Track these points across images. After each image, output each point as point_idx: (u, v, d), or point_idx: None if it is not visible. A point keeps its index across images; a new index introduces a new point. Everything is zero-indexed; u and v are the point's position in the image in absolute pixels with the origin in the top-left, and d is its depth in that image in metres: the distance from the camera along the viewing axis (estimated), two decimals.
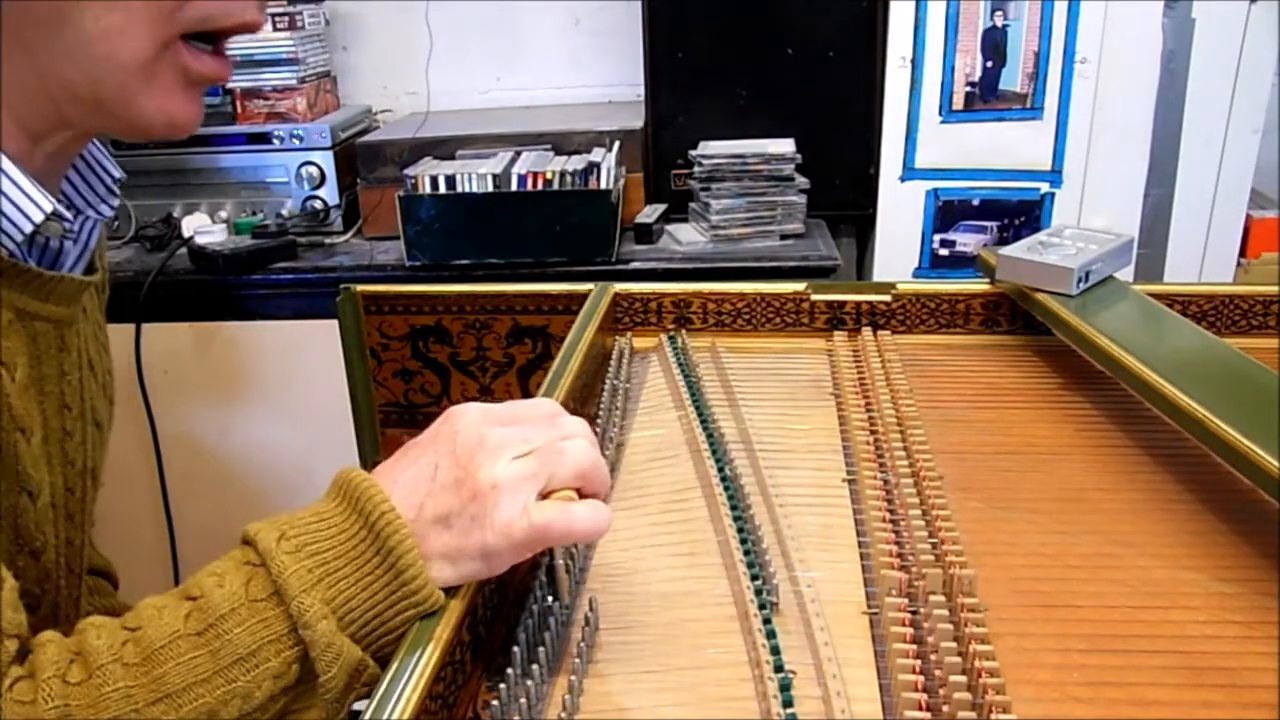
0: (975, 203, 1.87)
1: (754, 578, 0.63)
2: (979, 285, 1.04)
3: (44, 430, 0.67)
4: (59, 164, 0.66)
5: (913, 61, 1.80)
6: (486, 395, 1.13)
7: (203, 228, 1.89)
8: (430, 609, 0.56)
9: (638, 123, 1.93)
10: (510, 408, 0.61)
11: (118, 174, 0.72)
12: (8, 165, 0.60)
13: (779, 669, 0.56)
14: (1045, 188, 1.85)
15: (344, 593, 0.54)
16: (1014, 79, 1.80)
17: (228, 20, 0.62)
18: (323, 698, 0.55)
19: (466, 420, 0.59)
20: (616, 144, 1.89)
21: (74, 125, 0.63)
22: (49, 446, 0.68)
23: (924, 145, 1.85)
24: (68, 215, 0.65)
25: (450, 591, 0.57)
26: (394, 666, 0.51)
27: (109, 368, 0.79)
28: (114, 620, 0.54)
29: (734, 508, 0.71)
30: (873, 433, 0.82)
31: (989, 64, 1.80)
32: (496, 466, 0.56)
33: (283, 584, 0.53)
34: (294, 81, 1.99)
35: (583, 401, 0.90)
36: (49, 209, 0.61)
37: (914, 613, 0.60)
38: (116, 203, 0.72)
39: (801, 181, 1.82)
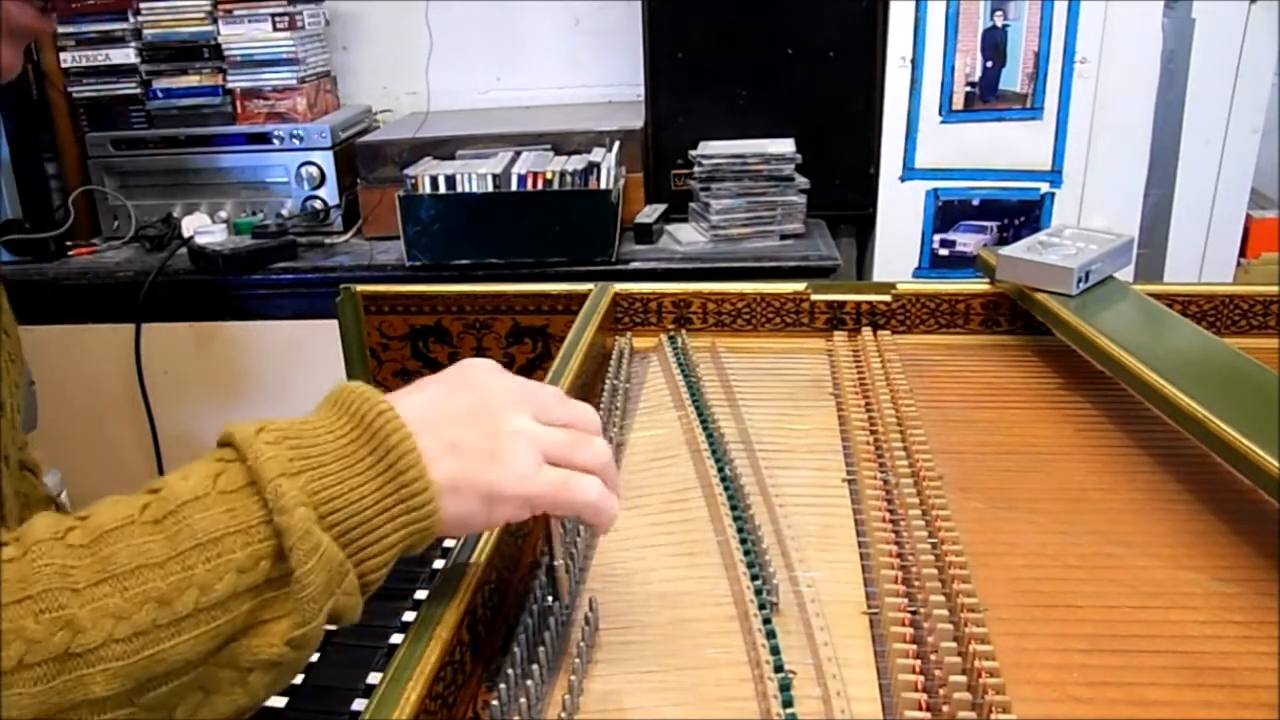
0: (975, 203, 1.87)
1: (754, 578, 0.63)
2: (979, 285, 1.04)
3: None
4: None
5: (913, 61, 1.81)
6: None
7: (203, 228, 1.89)
8: (427, 522, 0.52)
9: (638, 123, 1.94)
10: (518, 378, 0.61)
11: None
12: None
13: (779, 669, 0.56)
14: (1045, 188, 1.85)
15: (329, 489, 0.50)
16: (1014, 79, 1.80)
17: None
18: (297, 597, 0.48)
19: (483, 368, 0.59)
20: (616, 144, 1.89)
21: None
22: None
23: (924, 145, 1.85)
24: None
25: (450, 591, 0.57)
26: (394, 666, 0.51)
27: None
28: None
29: (734, 508, 0.71)
30: (873, 433, 0.82)
31: (989, 64, 1.80)
32: (519, 417, 0.55)
33: (258, 470, 0.49)
34: (294, 81, 2.00)
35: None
36: None
37: (914, 613, 0.60)
38: None
39: (801, 181, 1.82)
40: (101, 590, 0.46)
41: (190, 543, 0.47)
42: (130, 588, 0.46)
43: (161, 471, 1.91)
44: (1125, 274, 1.05)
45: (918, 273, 1.92)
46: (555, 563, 0.62)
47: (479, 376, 0.58)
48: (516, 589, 0.66)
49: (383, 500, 0.51)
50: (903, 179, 1.87)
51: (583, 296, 1.04)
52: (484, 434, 0.54)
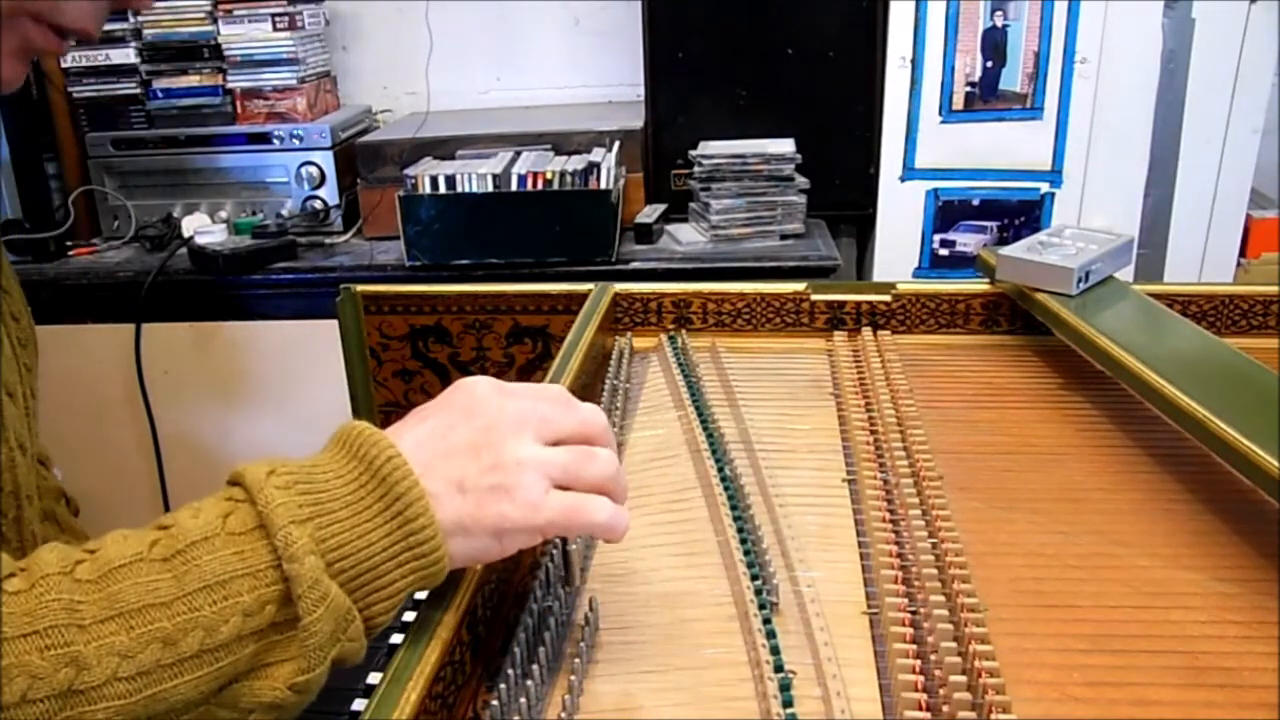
0: (975, 203, 1.87)
1: (754, 578, 0.63)
2: (979, 285, 1.04)
3: None
4: None
5: (913, 61, 1.81)
6: None
7: (203, 228, 1.89)
8: (436, 569, 0.52)
9: (638, 123, 1.94)
10: (521, 386, 0.60)
11: None
12: None
13: (779, 669, 0.56)
14: (1045, 188, 1.85)
15: (336, 536, 0.50)
16: (1014, 79, 1.80)
17: (71, 21, 0.64)
18: (304, 644, 0.49)
19: (482, 390, 0.57)
20: (616, 144, 1.89)
21: None
22: None
23: (924, 145, 1.85)
24: None
25: (450, 591, 0.57)
26: (394, 666, 0.51)
27: (2, 283, 0.77)
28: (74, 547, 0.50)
29: (734, 508, 0.71)
30: (873, 433, 0.82)
31: (989, 64, 1.80)
32: (522, 443, 0.55)
33: (269, 515, 0.49)
34: (294, 81, 2.00)
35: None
36: None
37: (914, 613, 0.60)
38: None
39: (801, 181, 1.82)
40: (108, 628, 0.46)
41: (198, 584, 0.48)
42: (136, 627, 0.46)
43: (161, 471, 1.92)
44: (1125, 274, 1.05)
45: (918, 273, 1.92)
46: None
47: (478, 401, 0.57)
48: (516, 589, 0.66)
49: (391, 547, 0.51)
50: (903, 179, 1.87)
51: (583, 296, 1.04)
52: (487, 467, 0.54)
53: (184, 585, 0.47)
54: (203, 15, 1.97)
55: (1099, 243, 1.03)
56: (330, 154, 1.96)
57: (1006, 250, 1.02)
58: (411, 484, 0.52)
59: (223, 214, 2.00)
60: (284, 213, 1.97)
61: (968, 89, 1.81)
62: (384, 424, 0.60)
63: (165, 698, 0.47)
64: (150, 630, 0.46)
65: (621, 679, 0.58)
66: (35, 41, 0.63)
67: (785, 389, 0.93)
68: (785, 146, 1.82)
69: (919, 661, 0.56)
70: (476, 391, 0.58)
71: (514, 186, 1.76)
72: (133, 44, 1.99)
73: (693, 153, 1.84)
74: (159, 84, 2.01)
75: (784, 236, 1.84)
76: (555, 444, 0.57)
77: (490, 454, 0.54)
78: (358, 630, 0.51)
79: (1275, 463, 0.63)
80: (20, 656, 0.44)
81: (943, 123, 1.83)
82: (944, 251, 1.90)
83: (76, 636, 0.45)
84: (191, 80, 2.01)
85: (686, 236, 1.87)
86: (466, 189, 1.76)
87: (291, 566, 0.48)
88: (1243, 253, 1.88)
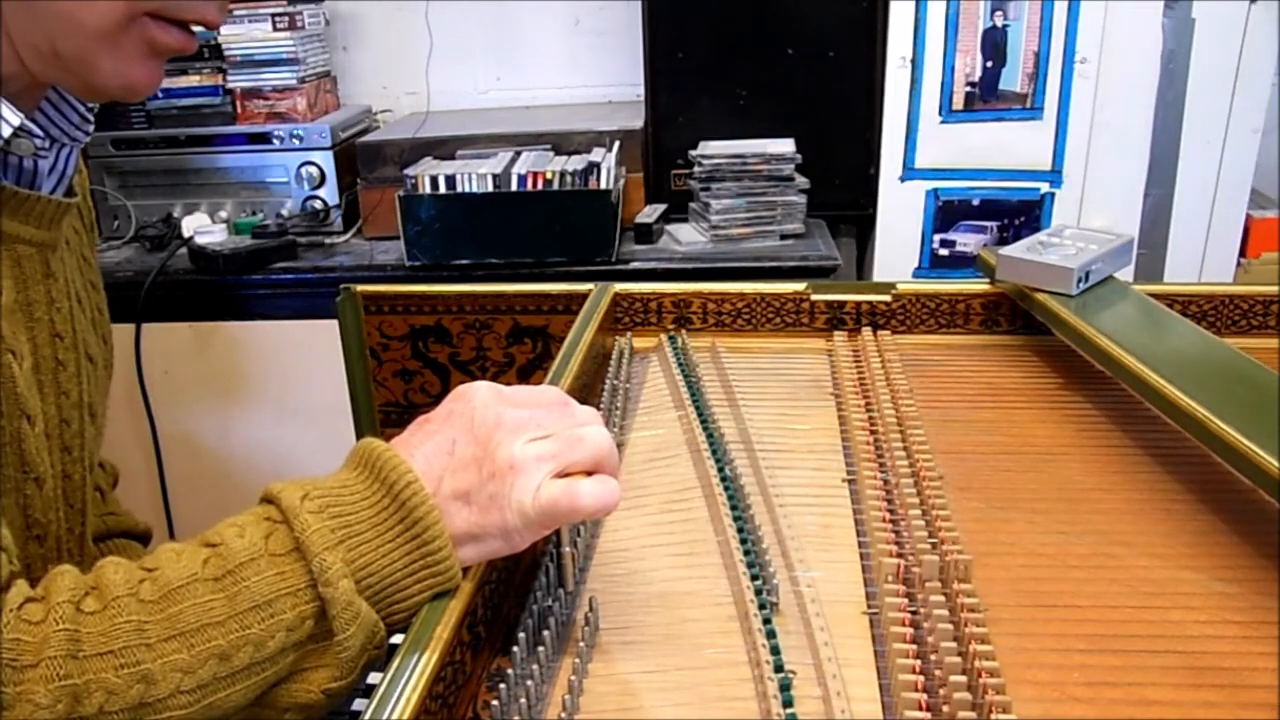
0: (975, 203, 1.87)
1: (754, 578, 0.63)
2: (979, 285, 1.04)
3: (35, 357, 0.68)
4: (24, 101, 0.67)
5: (913, 61, 1.80)
6: None
7: (203, 228, 1.89)
8: (450, 583, 0.57)
9: (638, 123, 1.93)
10: (519, 391, 0.62)
11: (90, 103, 0.73)
12: None
13: (779, 669, 0.56)
14: (1045, 188, 1.85)
15: (364, 556, 0.55)
16: (1014, 79, 1.80)
17: (189, 13, 0.65)
18: (337, 656, 0.55)
19: (481, 398, 0.60)
20: (616, 144, 1.89)
21: (35, 75, 0.64)
22: (41, 375, 0.69)
23: (924, 145, 1.85)
24: (36, 130, 0.66)
25: (450, 591, 0.57)
26: (394, 666, 0.51)
27: (100, 305, 0.79)
28: (132, 562, 0.55)
29: (734, 508, 0.71)
30: (873, 433, 0.82)
31: (989, 64, 1.80)
32: (515, 446, 0.58)
33: (305, 541, 0.54)
34: (294, 81, 1.99)
35: (582, 402, 0.89)
36: (16, 123, 0.63)
37: (914, 613, 0.60)
38: (91, 129, 0.72)
39: (801, 181, 1.82)
40: (171, 646, 0.52)
41: (248, 604, 0.53)
42: (196, 644, 0.52)
43: (161, 471, 1.92)
44: (1125, 274, 1.05)
45: (918, 273, 1.92)
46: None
47: (479, 411, 0.60)
48: (517, 589, 0.66)
49: (410, 565, 0.56)
50: (903, 179, 1.87)
51: (583, 296, 1.04)
52: (487, 476, 0.58)
53: (235, 605, 0.53)
54: None
55: (1099, 243, 1.03)
56: (330, 154, 1.96)
57: (1006, 250, 1.02)
58: (429, 509, 0.56)
59: (223, 214, 2.00)
60: (284, 213, 1.97)
61: (968, 89, 1.81)
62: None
63: (220, 705, 0.53)
64: (208, 648, 0.52)
65: (621, 679, 0.58)
66: (162, 40, 0.64)
67: (785, 389, 0.93)
68: (785, 146, 1.82)
69: (919, 661, 0.56)
70: (477, 400, 0.60)
71: (514, 186, 1.76)
72: None
73: (693, 153, 1.84)
74: None
75: (784, 236, 1.84)
76: None
77: (488, 464, 0.58)
78: (383, 639, 0.57)
79: (1275, 463, 0.63)
80: (99, 674, 0.50)
81: (943, 123, 1.83)
82: (944, 251, 1.90)
83: (145, 655, 0.51)
84: (191, 80, 2.00)
85: (686, 236, 1.87)
86: (466, 189, 1.76)
87: (327, 590, 0.54)
88: (1243, 253, 1.88)
